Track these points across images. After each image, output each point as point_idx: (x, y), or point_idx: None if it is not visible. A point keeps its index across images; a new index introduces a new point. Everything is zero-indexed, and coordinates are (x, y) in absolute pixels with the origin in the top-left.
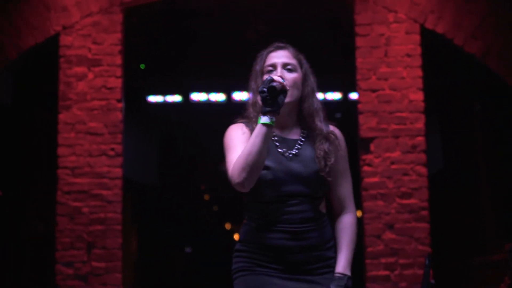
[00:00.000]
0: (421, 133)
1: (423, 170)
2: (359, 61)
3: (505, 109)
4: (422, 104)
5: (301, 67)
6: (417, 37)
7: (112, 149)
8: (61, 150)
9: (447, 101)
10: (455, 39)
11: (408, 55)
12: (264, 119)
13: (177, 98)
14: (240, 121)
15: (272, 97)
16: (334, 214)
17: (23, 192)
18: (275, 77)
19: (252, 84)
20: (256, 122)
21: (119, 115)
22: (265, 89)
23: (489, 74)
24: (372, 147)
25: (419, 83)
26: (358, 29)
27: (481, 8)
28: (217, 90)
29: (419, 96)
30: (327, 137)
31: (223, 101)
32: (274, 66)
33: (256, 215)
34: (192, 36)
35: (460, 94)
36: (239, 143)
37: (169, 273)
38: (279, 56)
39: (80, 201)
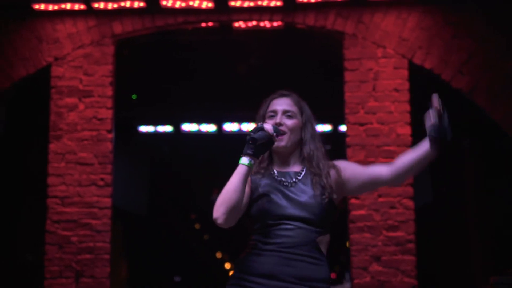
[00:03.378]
0: None
1: (410, 203)
2: (347, 95)
3: (493, 144)
4: (410, 138)
5: (302, 114)
6: (405, 72)
7: (102, 179)
8: (51, 180)
9: None
10: (442, 75)
11: (396, 90)
12: (243, 160)
13: (168, 128)
14: None
15: (254, 143)
16: (395, 174)
17: (15, 221)
18: (266, 126)
19: (258, 124)
20: (257, 163)
21: (109, 146)
22: (251, 134)
23: (478, 109)
24: None
25: (407, 117)
26: (347, 64)
27: (468, 44)
28: (208, 121)
29: (406, 130)
30: (325, 175)
31: (214, 132)
32: (275, 112)
33: (255, 241)
34: (183, 67)
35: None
36: None
37: None
38: (281, 103)
39: (69, 230)
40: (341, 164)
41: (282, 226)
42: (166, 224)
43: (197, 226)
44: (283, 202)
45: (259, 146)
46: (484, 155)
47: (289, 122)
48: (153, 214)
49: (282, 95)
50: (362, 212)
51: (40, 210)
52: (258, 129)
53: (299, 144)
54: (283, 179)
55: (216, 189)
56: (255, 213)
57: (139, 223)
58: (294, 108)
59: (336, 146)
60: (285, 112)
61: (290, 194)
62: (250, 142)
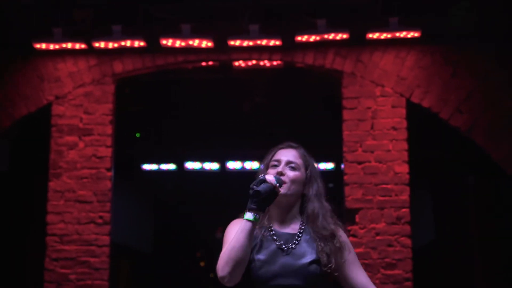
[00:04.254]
0: (405, 205)
1: (408, 241)
2: (346, 133)
3: (498, 181)
4: (407, 176)
5: (306, 169)
6: (403, 111)
7: (101, 217)
8: (50, 218)
9: (439, 174)
10: (441, 113)
11: (394, 128)
12: (248, 216)
13: (171, 166)
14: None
15: (258, 197)
16: None
17: (20, 258)
18: (268, 177)
19: (259, 176)
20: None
21: (109, 184)
22: (254, 187)
23: (480, 147)
24: (357, 218)
25: (405, 156)
26: (345, 103)
27: (468, 83)
28: (211, 159)
29: (404, 168)
30: (326, 237)
31: (217, 169)
32: (279, 161)
33: None
34: (187, 106)
35: (453, 167)
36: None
37: None
38: (286, 154)
39: (68, 268)
40: (346, 244)
41: None
42: (171, 262)
43: (202, 263)
44: (278, 270)
45: (263, 199)
46: (488, 191)
47: (291, 174)
48: (158, 251)
49: (289, 146)
50: (359, 250)
51: (44, 248)
52: (261, 181)
53: (299, 199)
54: (282, 243)
55: (220, 227)
56: (249, 277)
57: (145, 260)
58: (298, 161)
59: (338, 184)
60: (288, 163)
61: (287, 261)
62: (254, 196)
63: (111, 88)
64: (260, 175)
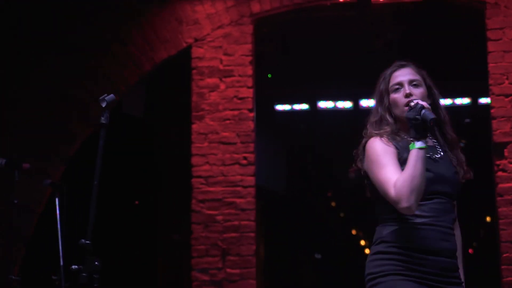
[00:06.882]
0: None
1: None
2: (491, 66)
3: None
4: None
5: (425, 81)
6: None
7: (245, 158)
8: (194, 160)
9: None
10: None
11: None
12: (419, 144)
13: (304, 106)
14: (374, 134)
15: (435, 122)
16: None
17: (157, 203)
18: (423, 103)
19: (377, 103)
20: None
21: (251, 125)
22: (418, 117)
23: None
24: (506, 152)
25: None
26: (489, 34)
27: None
28: (344, 98)
29: None
30: (456, 145)
31: (350, 108)
32: (400, 84)
33: (407, 216)
34: (319, 44)
35: None
36: (390, 160)
37: (297, 279)
38: (404, 74)
39: (214, 209)
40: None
41: (435, 200)
42: (303, 202)
43: (333, 203)
44: (436, 178)
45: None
46: None
47: (418, 91)
48: (290, 192)
49: (402, 66)
50: (510, 184)
51: (181, 191)
52: (420, 109)
53: None
54: (430, 153)
55: (353, 167)
56: None
57: (278, 200)
58: (418, 77)
59: (476, 119)
60: (411, 82)
61: (439, 170)
62: (431, 123)
63: (250, 28)
64: (412, 103)
